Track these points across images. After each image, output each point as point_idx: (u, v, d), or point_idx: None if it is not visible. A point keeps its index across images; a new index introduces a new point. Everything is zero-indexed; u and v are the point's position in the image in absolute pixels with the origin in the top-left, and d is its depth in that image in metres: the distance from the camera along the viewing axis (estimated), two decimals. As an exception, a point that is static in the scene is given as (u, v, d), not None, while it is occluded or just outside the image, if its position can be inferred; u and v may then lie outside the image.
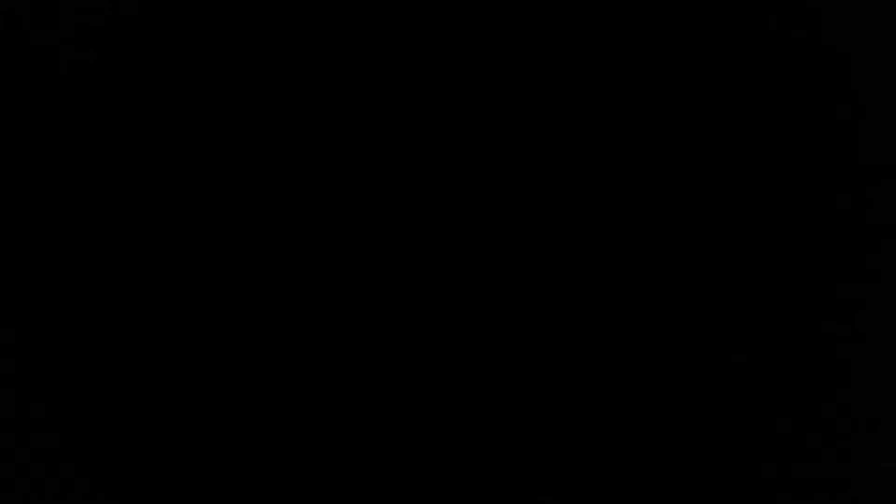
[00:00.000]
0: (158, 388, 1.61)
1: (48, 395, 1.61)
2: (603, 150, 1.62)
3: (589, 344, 1.60)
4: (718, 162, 1.62)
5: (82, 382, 1.61)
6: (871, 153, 1.64)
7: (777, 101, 1.63)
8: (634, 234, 1.61)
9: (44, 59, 1.64)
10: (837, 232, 1.62)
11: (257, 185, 1.62)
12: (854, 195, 1.63)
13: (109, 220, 1.62)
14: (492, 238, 1.62)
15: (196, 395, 1.60)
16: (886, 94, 1.64)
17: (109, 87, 1.63)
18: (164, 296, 1.61)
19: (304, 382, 1.61)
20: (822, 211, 1.63)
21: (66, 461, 1.61)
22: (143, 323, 1.61)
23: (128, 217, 1.62)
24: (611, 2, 1.63)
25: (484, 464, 1.60)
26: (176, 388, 1.60)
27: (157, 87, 1.63)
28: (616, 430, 1.60)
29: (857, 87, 1.64)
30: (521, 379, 1.60)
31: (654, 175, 1.62)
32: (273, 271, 1.61)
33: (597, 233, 1.61)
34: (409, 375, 1.60)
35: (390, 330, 1.61)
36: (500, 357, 1.60)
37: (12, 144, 1.64)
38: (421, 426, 1.60)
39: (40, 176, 1.63)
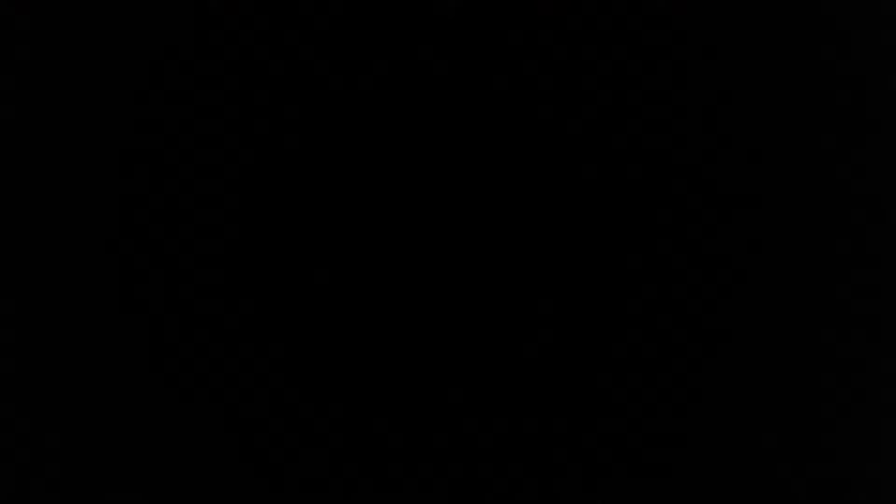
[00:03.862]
0: (157, 388, 1.61)
1: (48, 395, 1.61)
2: (600, 150, 1.63)
3: (586, 343, 1.61)
4: (718, 160, 1.63)
5: (81, 382, 1.61)
6: (869, 155, 1.64)
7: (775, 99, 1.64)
8: (630, 234, 1.62)
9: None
10: (837, 232, 1.63)
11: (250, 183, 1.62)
12: (853, 195, 1.63)
13: (108, 220, 1.62)
14: (490, 238, 1.62)
15: (195, 395, 1.61)
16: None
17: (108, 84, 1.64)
18: (163, 294, 1.61)
19: (303, 381, 1.61)
20: (822, 211, 1.63)
21: (64, 461, 1.61)
22: (142, 322, 1.61)
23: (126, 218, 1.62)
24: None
25: (483, 464, 1.60)
26: (175, 387, 1.61)
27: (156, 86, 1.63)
28: (614, 429, 1.60)
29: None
30: (520, 379, 1.61)
31: (652, 173, 1.62)
32: (273, 270, 1.62)
33: (593, 232, 1.62)
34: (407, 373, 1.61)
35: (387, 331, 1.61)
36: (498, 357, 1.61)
37: (11, 144, 1.64)
38: (418, 424, 1.60)
39: (38, 175, 1.63)
